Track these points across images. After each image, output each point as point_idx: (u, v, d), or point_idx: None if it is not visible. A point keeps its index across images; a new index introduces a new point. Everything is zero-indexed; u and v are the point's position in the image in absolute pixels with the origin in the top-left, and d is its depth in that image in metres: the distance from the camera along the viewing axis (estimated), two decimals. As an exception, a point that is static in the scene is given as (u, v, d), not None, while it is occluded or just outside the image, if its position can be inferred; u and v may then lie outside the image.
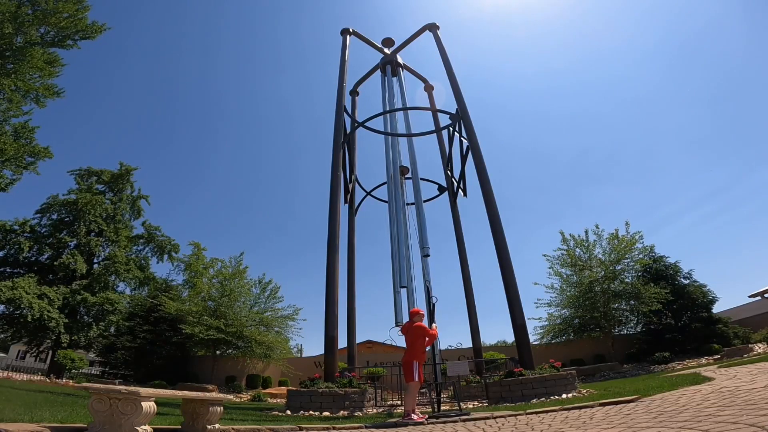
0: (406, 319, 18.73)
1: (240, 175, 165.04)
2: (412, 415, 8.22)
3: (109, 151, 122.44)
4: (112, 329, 33.53)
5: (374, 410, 12.77)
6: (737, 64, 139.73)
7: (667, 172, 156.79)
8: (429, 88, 28.16)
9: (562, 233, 28.28)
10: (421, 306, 18.49)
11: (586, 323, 27.03)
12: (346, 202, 23.21)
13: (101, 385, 4.51)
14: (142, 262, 38.85)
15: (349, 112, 24.16)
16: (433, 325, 10.34)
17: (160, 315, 30.64)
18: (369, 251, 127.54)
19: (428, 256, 19.58)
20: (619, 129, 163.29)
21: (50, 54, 27.90)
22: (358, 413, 11.54)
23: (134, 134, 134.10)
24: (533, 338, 26.02)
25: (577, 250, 27.81)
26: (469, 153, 20.57)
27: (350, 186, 23.72)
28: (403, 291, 18.27)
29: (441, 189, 26.31)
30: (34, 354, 34.60)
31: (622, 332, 28.42)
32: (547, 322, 28.29)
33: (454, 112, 21.79)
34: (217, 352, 29.63)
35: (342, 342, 18.77)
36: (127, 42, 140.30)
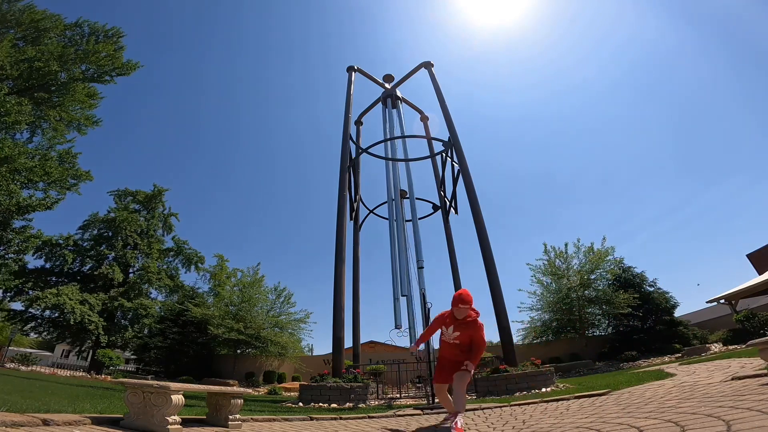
0: (405, 323, 18.69)
1: (259, 194, 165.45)
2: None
3: (143, 173, 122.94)
4: (146, 331, 33.45)
5: (376, 402, 12.70)
6: (690, 93, 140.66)
7: (628, 193, 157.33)
8: (424, 119, 28.30)
9: (545, 245, 28.30)
10: (417, 311, 18.48)
11: (564, 325, 26.97)
12: (351, 219, 23.22)
13: (136, 381, 4.52)
14: (172, 272, 38.78)
15: (354, 139, 24.27)
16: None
17: (188, 318, 30.56)
18: (372, 263, 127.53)
19: (422, 267, 19.63)
20: (584, 155, 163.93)
21: (90, 88, 28.19)
22: (361, 405, 11.49)
23: (166, 158, 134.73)
24: (516, 339, 25.92)
25: (557, 260, 27.81)
26: (460, 175, 20.65)
27: (355, 205, 23.76)
28: (402, 298, 18.31)
29: (435, 207, 26.38)
30: (77, 353, 34.46)
31: (594, 333, 28.30)
32: (528, 325, 28.23)
33: (446, 139, 21.88)
34: (238, 351, 29.53)
35: (348, 342, 18.74)
36: (157, 78, 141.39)
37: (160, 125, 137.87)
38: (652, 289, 27.68)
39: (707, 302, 25.33)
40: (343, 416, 7.63)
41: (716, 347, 19.64)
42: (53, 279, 33.19)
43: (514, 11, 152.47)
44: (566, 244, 27.89)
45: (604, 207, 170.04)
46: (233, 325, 27.42)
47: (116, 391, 11.54)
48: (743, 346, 16.67)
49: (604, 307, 26.06)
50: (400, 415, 7.64)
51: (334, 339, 15.42)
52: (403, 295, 18.37)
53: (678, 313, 27.44)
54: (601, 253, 26.55)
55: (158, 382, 4.38)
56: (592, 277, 26.65)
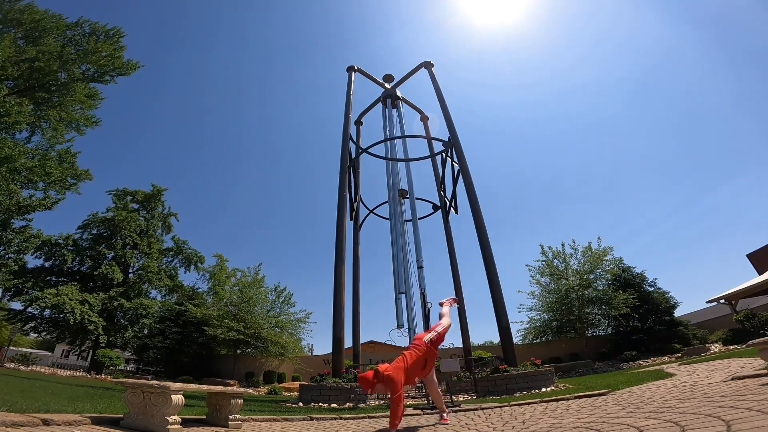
0: (405, 322, 18.71)
1: (261, 194, 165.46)
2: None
3: (144, 173, 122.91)
4: (145, 331, 33.40)
5: (376, 402, 12.70)
6: (692, 95, 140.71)
7: (631, 193, 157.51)
8: (424, 119, 28.28)
9: (542, 246, 28.22)
10: (417, 310, 18.53)
11: (563, 326, 26.94)
12: (351, 219, 23.19)
13: (136, 381, 4.52)
14: (172, 272, 38.74)
15: (354, 140, 24.24)
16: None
17: (188, 318, 30.59)
18: (371, 262, 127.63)
19: (422, 267, 19.63)
20: (588, 154, 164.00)
21: (91, 89, 28.16)
22: (361, 405, 11.48)
23: (167, 158, 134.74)
24: (516, 339, 25.92)
25: (555, 261, 27.77)
26: (460, 175, 20.65)
27: (355, 205, 23.74)
28: (402, 296, 18.36)
29: (435, 207, 26.36)
30: (77, 353, 34.47)
31: (594, 334, 28.32)
32: (528, 325, 28.20)
33: (446, 139, 21.86)
34: (238, 351, 29.52)
35: (348, 342, 18.72)
36: (159, 78, 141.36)
37: (162, 125, 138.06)
38: (651, 289, 27.73)
39: (707, 302, 25.36)
40: (343, 416, 7.63)
41: (716, 347, 19.65)
42: (53, 279, 33.14)
43: (514, 11, 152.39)
44: (563, 245, 27.91)
45: (607, 207, 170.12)
46: (233, 325, 27.41)
47: (116, 391, 11.54)
48: (743, 346, 16.69)
49: (603, 307, 26.05)
50: (400, 415, 7.62)
51: (334, 339, 15.42)
52: (400, 293, 18.42)
53: (678, 313, 27.53)
54: (599, 253, 26.53)
55: (158, 382, 4.38)
56: (591, 277, 26.63)
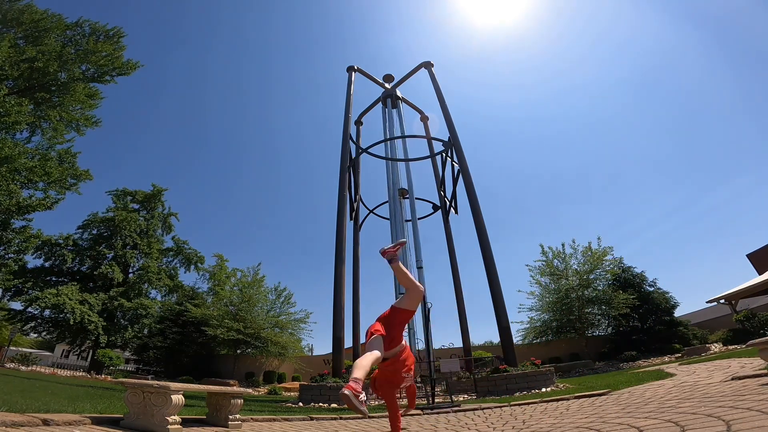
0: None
1: (261, 194, 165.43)
2: None
3: (144, 173, 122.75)
4: (146, 331, 33.37)
5: (376, 402, 12.69)
6: (692, 95, 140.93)
7: (632, 193, 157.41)
8: (425, 119, 28.30)
9: (542, 246, 28.24)
10: (417, 311, 18.53)
11: (563, 326, 26.95)
12: (351, 219, 23.20)
13: (136, 381, 4.52)
14: (172, 272, 38.70)
15: (354, 140, 24.23)
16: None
17: (188, 318, 30.57)
18: (371, 263, 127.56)
19: (421, 268, 19.64)
20: (588, 154, 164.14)
21: (91, 89, 28.12)
22: (361, 405, 11.47)
23: (167, 158, 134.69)
24: (516, 339, 25.89)
25: (555, 261, 27.78)
26: (460, 175, 20.67)
27: (355, 205, 23.74)
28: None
29: (435, 207, 26.36)
30: (77, 353, 34.44)
31: (594, 334, 28.32)
32: (528, 325, 28.21)
33: (446, 139, 21.87)
34: (238, 351, 29.52)
35: (348, 342, 18.72)
36: (161, 77, 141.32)
37: (162, 125, 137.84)
38: (651, 289, 27.73)
39: (707, 302, 25.36)
40: (343, 416, 7.63)
41: (716, 347, 19.65)
42: (53, 279, 33.12)
43: (514, 11, 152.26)
44: (563, 245, 27.93)
45: (607, 207, 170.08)
46: (233, 325, 27.41)
47: (116, 391, 11.54)
48: (743, 346, 16.68)
49: (603, 307, 26.06)
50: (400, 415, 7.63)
51: (334, 339, 15.43)
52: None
53: (678, 313, 27.54)
54: (599, 253, 26.54)
55: (158, 382, 4.39)
56: (591, 277, 26.63)
